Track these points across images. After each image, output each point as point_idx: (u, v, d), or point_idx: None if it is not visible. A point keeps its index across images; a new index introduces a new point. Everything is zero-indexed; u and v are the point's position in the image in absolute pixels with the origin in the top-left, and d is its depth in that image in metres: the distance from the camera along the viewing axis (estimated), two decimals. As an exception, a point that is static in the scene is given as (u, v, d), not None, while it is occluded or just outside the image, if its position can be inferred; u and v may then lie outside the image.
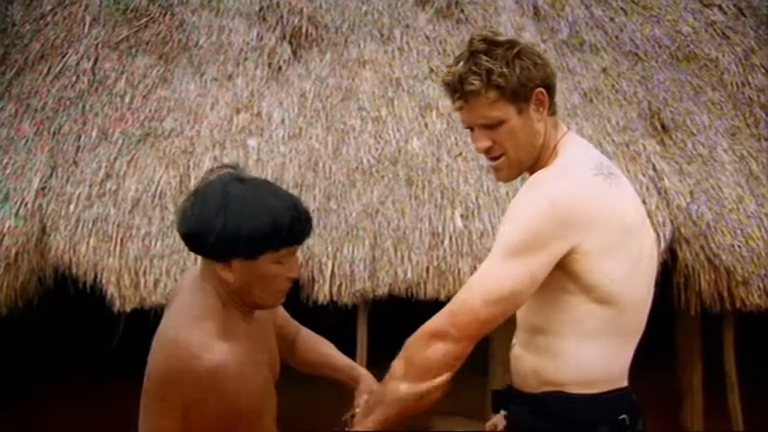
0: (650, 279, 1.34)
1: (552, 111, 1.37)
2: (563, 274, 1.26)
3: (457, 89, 1.33)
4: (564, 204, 1.23)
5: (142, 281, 3.26)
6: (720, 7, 4.33)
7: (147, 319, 3.38)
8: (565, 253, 1.23)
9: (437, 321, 1.26)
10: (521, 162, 1.37)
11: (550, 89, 1.36)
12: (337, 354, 1.62)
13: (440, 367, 1.23)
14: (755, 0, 4.34)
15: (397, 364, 1.28)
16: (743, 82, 4.04)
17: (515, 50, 1.32)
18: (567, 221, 1.22)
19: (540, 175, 1.32)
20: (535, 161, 1.37)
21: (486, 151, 1.37)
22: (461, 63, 1.33)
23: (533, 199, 1.26)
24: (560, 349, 1.29)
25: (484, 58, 1.30)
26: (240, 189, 1.24)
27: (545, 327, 1.30)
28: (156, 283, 3.27)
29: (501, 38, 1.35)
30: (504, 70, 1.29)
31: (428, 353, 1.23)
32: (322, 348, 1.61)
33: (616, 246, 1.26)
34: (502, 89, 1.29)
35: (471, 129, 1.38)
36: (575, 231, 1.22)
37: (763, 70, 4.09)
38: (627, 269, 1.28)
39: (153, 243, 3.33)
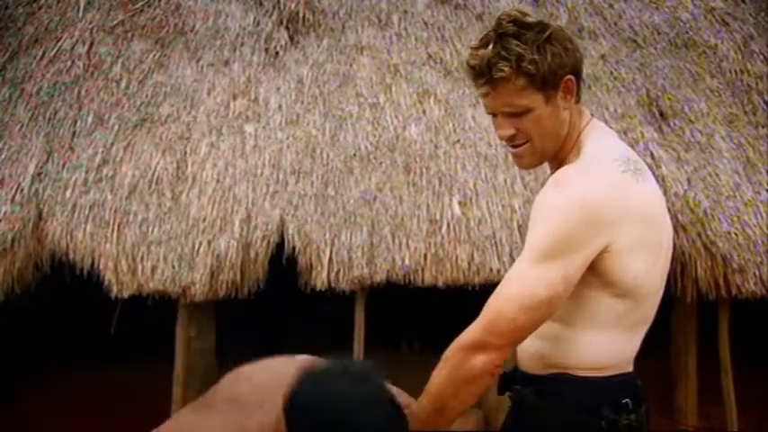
0: (666, 270, 1.33)
1: (578, 98, 1.31)
2: (588, 270, 1.23)
3: (484, 74, 1.25)
4: (594, 204, 1.19)
5: (139, 267, 3.26)
6: (720, -7, 4.32)
7: (145, 305, 3.40)
8: (598, 252, 1.21)
9: (475, 332, 1.23)
10: (544, 151, 1.32)
11: (578, 76, 1.30)
12: None
13: (483, 376, 1.22)
14: (755, -14, 4.32)
15: (438, 377, 1.25)
16: (741, 69, 4.03)
17: (546, 34, 1.24)
18: (598, 222, 1.19)
19: (565, 171, 1.26)
20: (558, 149, 1.33)
21: (509, 139, 1.31)
22: (490, 46, 1.24)
23: (562, 199, 1.21)
24: (571, 338, 1.29)
25: (514, 42, 1.22)
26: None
27: (559, 315, 1.28)
28: (154, 269, 3.27)
29: (531, 19, 1.26)
30: (536, 56, 1.22)
31: (471, 364, 1.21)
32: None
33: (642, 242, 1.24)
34: (532, 77, 1.23)
35: (494, 115, 1.31)
36: (606, 231, 1.20)
37: (762, 57, 4.08)
38: (649, 264, 1.26)
39: (150, 229, 3.33)
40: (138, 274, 3.23)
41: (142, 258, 3.26)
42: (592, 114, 1.38)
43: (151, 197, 3.40)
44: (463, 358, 1.22)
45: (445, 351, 1.25)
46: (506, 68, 1.23)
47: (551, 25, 1.27)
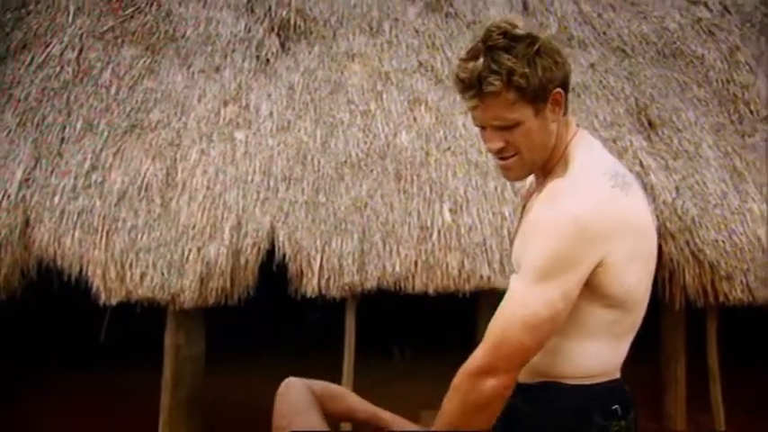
0: (651, 277, 1.35)
1: (565, 110, 1.32)
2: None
3: (473, 87, 1.25)
4: (587, 221, 1.21)
5: (128, 274, 3.22)
6: (706, 5, 4.39)
7: (134, 311, 3.38)
8: (593, 267, 1.23)
9: (482, 357, 1.23)
10: (533, 163, 1.33)
11: (567, 88, 1.31)
12: (356, 401, 1.62)
13: (495, 400, 1.23)
14: (741, -2, 4.39)
15: (450, 406, 1.25)
16: (728, 79, 4.09)
17: (536, 47, 1.24)
18: (592, 238, 1.21)
19: (556, 187, 1.27)
20: (545, 161, 1.34)
21: (498, 151, 1.31)
22: (480, 59, 1.23)
23: (555, 218, 1.23)
24: (561, 347, 1.30)
25: (504, 55, 1.22)
26: None
27: None
28: (143, 275, 3.23)
29: (520, 31, 1.25)
30: (526, 70, 1.22)
31: (481, 390, 1.22)
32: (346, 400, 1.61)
33: (634, 255, 1.26)
34: (522, 91, 1.23)
35: (482, 127, 1.32)
36: (600, 247, 1.22)
37: (747, 67, 4.14)
38: (640, 275, 1.29)
39: (139, 236, 3.30)
40: (127, 281, 3.19)
41: (131, 265, 3.21)
42: (578, 125, 1.39)
43: (140, 204, 3.36)
44: (473, 385, 1.23)
45: (453, 379, 1.26)
46: (497, 82, 1.23)
47: (540, 38, 1.27)
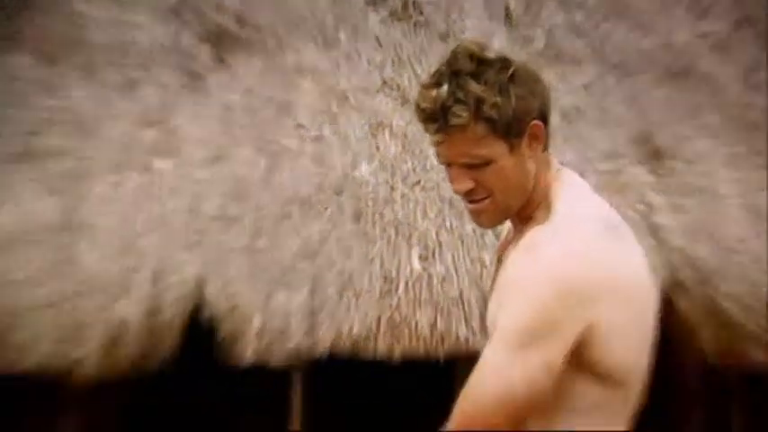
0: (651, 342, 1.35)
1: (546, 145, 1.34)
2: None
3: (437, 119, 1.27)
4: (572, 279, 1.22)
5: (11, 339, 3.15)
6: (718, 16, 4.51)
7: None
8: (579, 333, 1.22)
9: (455, 428, 1.25)
10: (508, 207, 1.35)
11: (546, 120, 1.34)
12: None
13: None
14: (756, 10, 4.53)
15: None
16: (745, 103, 4.19)
17: (509, 73, 1.27)
18: (579, 299, 1.22)
19: (535, 236, 1.29)
20: (523, 205, 1.36)
21: (467, 193, 1.34)
22: (445, 86, 1.26)
23: (535, 274, 1.24)
24: (545, 425, 1.30)
25: (472, 82, 1.25)
26: None
27: None
28: (32, 341, 3.16)
29: (490, 54, 1.29)
30: (497, 99, 1.25)
31: None
32: None
33: (627, 318, 1.27)
34: (493, 123, 1.25)
35: (449, 165, 1.34)
36: (587, 308, 1.22)
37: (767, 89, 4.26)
38: (635, 342, 1.29)
39: (29, 291, 3.24)
40: (10, 349, 3.13)
41: (16, 328, 3.15)
42: (561, 163, 1.42)
43: (31, 250, 3.32)
44: None
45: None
46: (464, 114, 1.25)
47: (515, 62, 1.30)
